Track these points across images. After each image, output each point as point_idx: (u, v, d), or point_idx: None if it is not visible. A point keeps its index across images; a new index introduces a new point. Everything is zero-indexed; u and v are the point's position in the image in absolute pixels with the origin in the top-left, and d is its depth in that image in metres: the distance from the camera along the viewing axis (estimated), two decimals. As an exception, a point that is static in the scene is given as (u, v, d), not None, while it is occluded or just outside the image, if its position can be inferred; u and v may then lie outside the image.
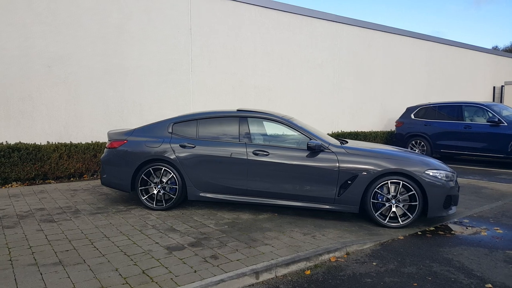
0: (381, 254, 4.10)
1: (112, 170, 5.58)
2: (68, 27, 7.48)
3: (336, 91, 12.29)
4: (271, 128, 5.58)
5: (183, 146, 5.36)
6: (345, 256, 4.07)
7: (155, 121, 6.43)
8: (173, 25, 8.76)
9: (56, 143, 7.31)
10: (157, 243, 4.13)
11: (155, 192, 5.41)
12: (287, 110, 10.93)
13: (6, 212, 5.16)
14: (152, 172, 5.40)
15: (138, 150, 5.43)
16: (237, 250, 3.95)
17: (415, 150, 11.89)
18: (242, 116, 5.48)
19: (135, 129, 5.73)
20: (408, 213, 4.90)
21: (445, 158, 11.90)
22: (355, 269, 3.73)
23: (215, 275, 3.34)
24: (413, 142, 11.98)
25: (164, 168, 5.37)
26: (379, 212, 4.96)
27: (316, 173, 5.05)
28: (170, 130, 5.55)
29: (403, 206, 4.91)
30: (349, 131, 12.42)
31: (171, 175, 5.36)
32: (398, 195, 4.91)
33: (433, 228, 5.01)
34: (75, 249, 3.92)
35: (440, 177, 4.93)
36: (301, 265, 3.75)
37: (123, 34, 8.13)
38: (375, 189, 4.93)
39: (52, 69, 7.37)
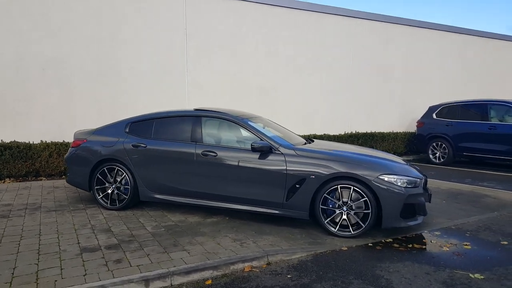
0: (305, 266, 3.75)
1: (74, 169, 5.69)
2: (62, 32, 7.79)
3: (349, 90, 11.68)
4: (227, 128, 5.36)
5: (135, 146, 5.32)
6: (264, 266, 3.77)
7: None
8: (167, 27, 8.81)
9: (48, 142, 7.63)
10: (78, 243, 4.10)
11: (109, 192, 5.43)
12: (293, 110, 10.61)
13: (-28, 207, 5.45)
14: (107, 171, 5.42)
15: (94, 150, 5.49)
16: (148, 255, 3.81)
17: (436, 153, 10.97)
18: (197, 116, 5.33)
19: (97, 129, 5.80)
20: (360, 222, 4.46)
21: (469, 162, 10.87)
22: (262, 282, 3.42)
23: (100, 280, 3.23)
24: (434, 144, 11.06)
25: (117, 168, 5.37)
26: (329, 219, 4.56)
27: (263, 175, 4.76)
28: (127, 130, 5.54)
29: (356, 213, 4.47)
30: (364, 131, 11.74)
31: (124, 175, 5.35)
32: (349, 202, 4.48)
33: (391, 240, 4.51)
34: (-1, 245, 4.01)
35: (399, 184, 4.43)
36: (206, 274, 3.52)
37: (117, 37, 8.32)
38: (325, 194, 4.54)
39: (47, 72, 7.73)
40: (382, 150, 11.84)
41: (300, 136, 9.70)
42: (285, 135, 5.78)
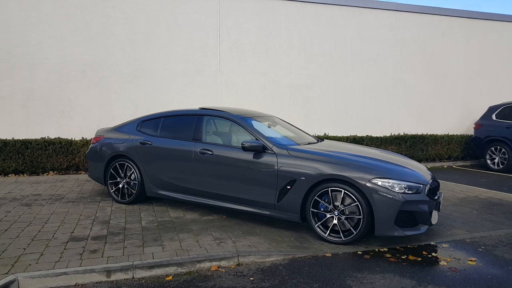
0: (274, 270, 3.60)
1: (92, 164, 6.09)
2: (100, 36, 8.39)
3: (396, 88, 10.95)
4: (227, 127, 5.36)
5: (142, 144, 5.53)
6: (233, 266, 3.69)
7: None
8: (200, 28, 9.04)
9: (88, 139, 8.26)
10: (72, 232, 4.38)
11: (120, 186, 5.71)
12: (329, 109, 10.28)
13: (7, 195, 6.07)
14: (118, 167, 5.71)
15: (109, 146, 5.82)
16: (125, 247, 3.94)
17: (495, 158, 9.85)
18: (200, 115, 5.40)
19: (115, 126, 6.15)
20: (352, 229, 4.16)
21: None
22: (221, 282, 3.36)
23: (66, 267, 3.41)
24: (493, 149, 9.94)
25: (127, 164, 5.64)
26: (320, 223, 4.33)
27: (255, 175, 4.68)
28: (138, 128, 5.79)
29: (350, 219, 4.17)
30: (414, 133, 10.89)
31: (133, 171, 5.59)
32: (340, 206, 4.21)
33: (385, 249, 4.15)
34: (6, 230, 4.43)
35: (396, 189, 4.06)
36: (170, 270, 3.55)
37: (151, 40, 8.74)
38: (315, 197, 4.32)
39: (86, 74, 8.38)
40: (434, 155, 10.99)
41: (324, 136, 9.45)
42: (293, 134, 5.63)
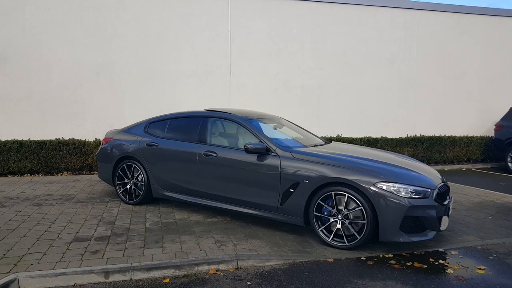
0: (273, 275, 3.54)
1: (102, 165, 6.16)
2: (113, 39, 8.52)
3: (411, 89, 10.70)
4: (232, 129, 5.33)
5: (149, 145, 5.56)
6: (232, 270, 3.65)
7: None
8: (210, 29, 9.05)
9: (101, 139, 8.38)
10: (77, 233, 4.44)
11: (128, 187, 5.76)
12: (342, 110, 10.14)
13: (20, 195, 6.22)
14: (126, 168, 5.76)
15: (117, 148, 5.88)
16: (126, 249, 3.96)
17: (516, 161, 9.47)
18: (205, 116, 5.40)
19: (123, 128, 6.21)
20: (356, 233, 4.06)
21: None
22: (218, 286, 3.33)
23: (66, 268, 3.45)
24: (514, 151, 9.55)
25: (134, 165, 5.68)
26: (323, 227, 4.24)
27: (259, 177, 4.62)
28: (146, 130, 5.82)
29: (354, 223, 4.08)
30: (430, 135, 10.62)
31: (140, 172, 5.63)
32: (344, 210, 4.11)
33: (390, 255, 4.04)
34: (14, 229, 4.52)
35: (402, 193, 3.94)
36: (167, 272, 3.54)
37: (163, 42, 8.81)
38: (319, 201, 4.23)
39: (99, 76, 8.51)
40: (452, 157, 10.68)
41: (337, 138, 9.33)
42: (300, 136, 5.56)
